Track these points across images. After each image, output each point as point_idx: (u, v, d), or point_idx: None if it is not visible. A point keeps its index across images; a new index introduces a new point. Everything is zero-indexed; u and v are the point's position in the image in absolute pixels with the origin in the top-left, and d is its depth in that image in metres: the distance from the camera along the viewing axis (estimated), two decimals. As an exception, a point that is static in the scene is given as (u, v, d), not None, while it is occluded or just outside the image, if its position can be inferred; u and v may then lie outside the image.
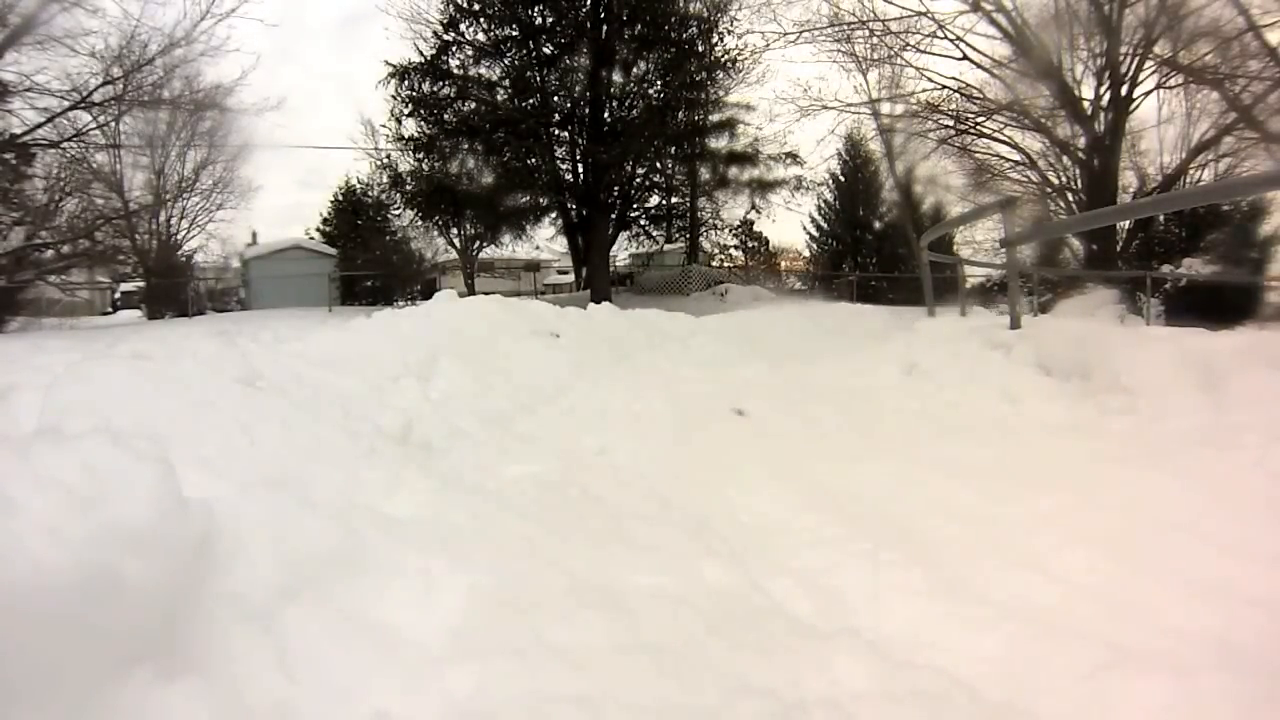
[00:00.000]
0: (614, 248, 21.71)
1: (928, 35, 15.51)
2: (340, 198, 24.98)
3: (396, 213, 23.17)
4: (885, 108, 17.80)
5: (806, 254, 27.21)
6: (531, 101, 17.81)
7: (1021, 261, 13.44)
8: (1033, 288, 13.01)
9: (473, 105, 17.88)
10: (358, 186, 24.48)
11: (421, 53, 17.89)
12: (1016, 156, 16.40)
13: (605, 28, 17.18)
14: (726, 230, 23.36)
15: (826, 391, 4.81)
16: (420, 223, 21.80)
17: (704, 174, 20.88)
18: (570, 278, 25.42)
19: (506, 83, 18.17)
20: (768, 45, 16.97)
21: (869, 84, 17.57)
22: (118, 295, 27.59)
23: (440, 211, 19.60)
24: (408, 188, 19.32)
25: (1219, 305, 10.96)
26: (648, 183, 20.91)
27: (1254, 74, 12.70)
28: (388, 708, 1.62)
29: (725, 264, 25.05)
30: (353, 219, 23.96)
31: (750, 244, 24.79)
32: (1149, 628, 2.03)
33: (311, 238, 24.12)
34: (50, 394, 2.39)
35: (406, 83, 17.73)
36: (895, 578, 2.42)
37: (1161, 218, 13.53)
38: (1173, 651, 1.90)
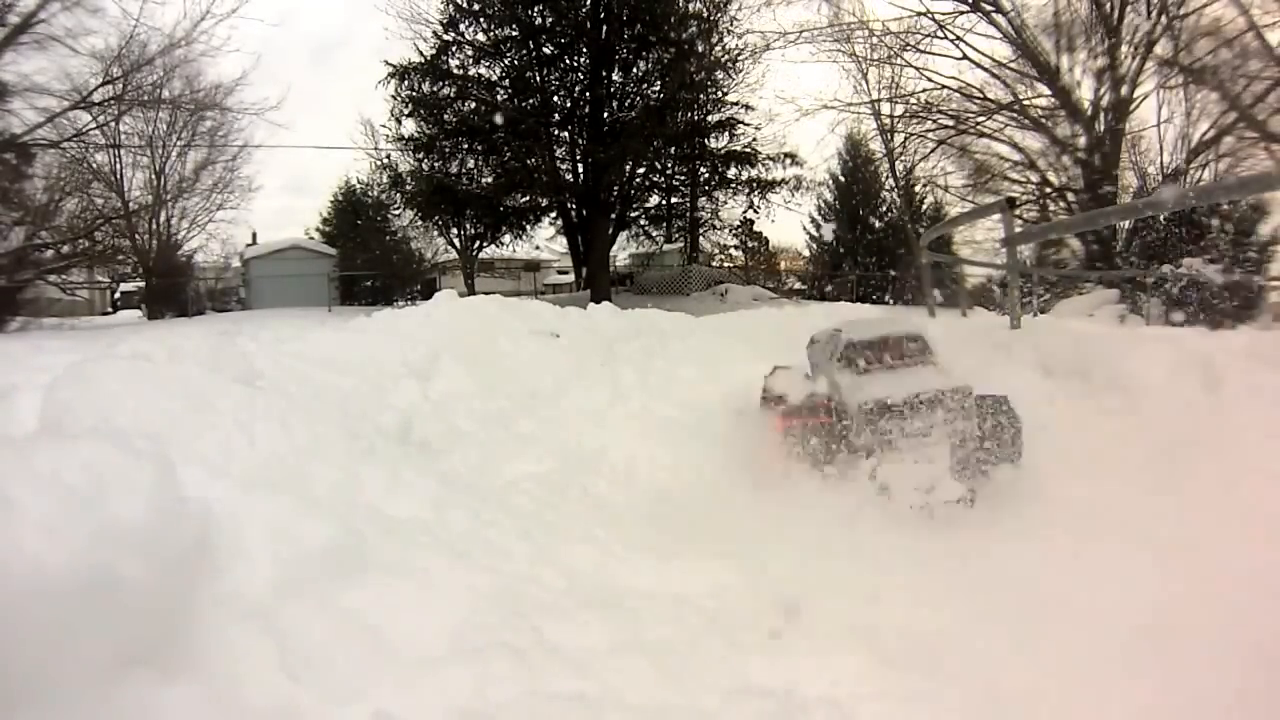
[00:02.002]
0: (614, 248, 21.70)
1: (928, 35, 15.47)
2: (340, 198, 24.95)
3: (396, 213, 23.15)
4: (885, 108, 17.76)
5: (806, 254, 27.18)
6: (531, 101, 17.80)
7: (1021, 261, 13.41)
8: (1033, 288, 13.00)
9: (473, 105, 17.87)
10: (357, 186, 24.45)
11: (421, 53, 17.89)
12: (1016, 156, 16.36)
13: (605, 28, 17.17)
14: (726, 230, 23.31)
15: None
16: (420, 223, 21.78)
17: (703, 174, 20.86)
18: (570, 278, 25.37)
19: (506, 83, 18.16)
20: (768, 45, 16.91)
21: (869, 84, 17.53)
22: (118, 295, 27.55)
23: (440, 211, 19.58)
24: (408, 188, 19.31)
25: (1219, 305, 10.96)
26: (647, 183, 20.87)
27: (1254, 74, 12.69)
28: (388, 707, 1.62)
29: (725, 264, 25.02)
30: (353, 219, 23.93)
31: (750, 244, 24.77)
32: (1143, 623, 2.03)
33: (311, 238, 24.11)
34: (50, 394, 2.39)
35: (406, 83, 17.72)
36: (892, 575, 2.43)
37: (1161, 218, 13.51)
38: (1164, 647, 1.90)
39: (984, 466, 2.97)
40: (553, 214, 20.25)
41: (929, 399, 2.86)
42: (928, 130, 17.01)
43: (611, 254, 21.90)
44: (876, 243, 24.04)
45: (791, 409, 3.16)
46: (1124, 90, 13.98)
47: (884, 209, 24.28)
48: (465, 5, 17.65)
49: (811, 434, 3.07)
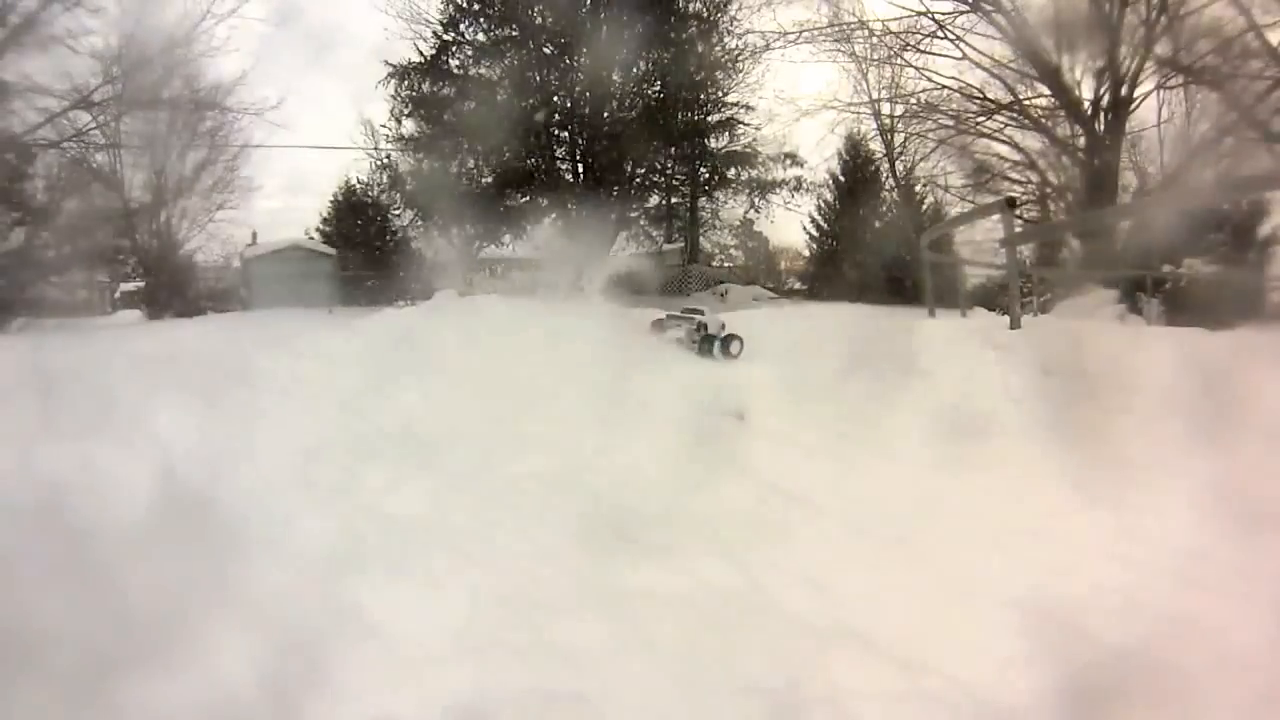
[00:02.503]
0: (614, 248, 21.67)
1: (928, 35, 15.48)
2: (340, 198, 24.91)
3: (396, 213, 23.12)
4: (885, 108, 17.79)
5: (806, 254, 27.14)
6: (531, 101, 17.80)
7: (1021, 261, 13.40)
8: (1033, 288, 13.00)
9: (473, 105, 17.86)
10: (358, 186, 24.42)
11: (421, 53, 17.89)
12: (1016, 156, 16.37)
13: (605, 28, 17.18)
14: (726, 230, 23.30)
15: (826, 391, 4.81)
16: (420, 223, 21.75)
17: (703, 174, 20.86)
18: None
19: (506, 83, 18.15)
20: (768, 45, 16.92)
21: (869, 84, 17.55)
22: (118, 295, 27.49)
23: (440, 211, 19.56)
24: (408, 188, 19.30)
25: (1219, 305, 10.94)
26: (647, 183, 20.85)
27: (1254, 74, 12.69)
28: (389, 707, 1.62)
29: (725, 264, 25.00)
30: (353, 219, 23.89)
31: (750, 244, 24.76)
32: (1128, 621, 2.03)
33: (311, 238, 24.05)
34: (51, 393, 2.39)
35: (406, 83, 17.72)
36: (893, 576, 2.43)
37: (1161, 218, 13.50)
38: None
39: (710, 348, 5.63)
40: (553, 214, 20.24)
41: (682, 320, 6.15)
42: (928, 130, 17.03)
43: (611, 254, 21.86)
44: (877, 243, 24.02)
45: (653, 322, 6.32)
46: (1124, 90, 13.98)
47: (884, 209, 24.26)
48: (465, 5, 17.64)
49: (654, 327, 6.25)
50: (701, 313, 5.93)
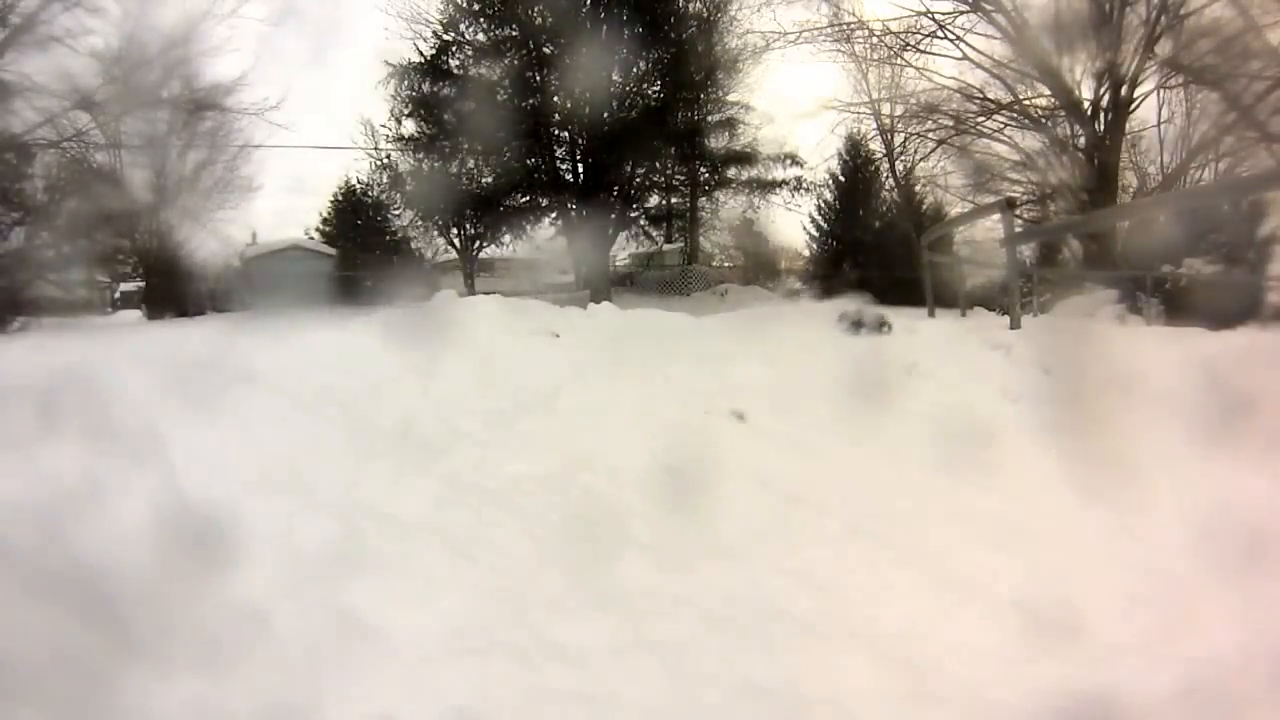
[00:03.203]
0: (614, 248, 21.69)
1: (928, 35, 15.50)
2: (340, 198, 24.93)
3: (396, 213, 23.14)
4: (885, 108, 17.82)
5: (806, 254, 27.17)
6: (531, 101, 17.81)
7: (1021, 261, 13.42)
8: (1033, 288, 13.00)
9: (473, 105, 17.88)
10: (358, 186, 24.43)
11: (421, 53, 17.91)
12: (1016, 156, 16.38)
13: (605, 28, 17.19)
14: (726, 230, 23.34)
15: (826, 391, 4.81)
16: (420, 223, 21.77)
17: (703, 174, 20.89)
18: (570, 278, 25.42)
19: (506, 83, 18.17)
20: (768, 45, 16.97)
21: (869, 84, 17.58)
22: (118, 295, 27.47)
23: (440, 211, 19.59)
24: (408, 188, 19.33)
25: (1219, 305, 10.95)
26: (647, 183, 20.86)
27: (1254, 74, 12.70)
28: (388, 708, 1.62)
29: (725, 264, 25.01)
30: (353, 219, 23.88)
31: (750, 244, 24.77)
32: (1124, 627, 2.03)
33: (311, 238, 24.05)
34: (51, 394, 2.39)
35: (406, 83, 17.75)
36: (892, 575, 2.43)
37: (1161, 218, 13.51)
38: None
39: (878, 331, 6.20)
40: (553, 214, 20.26)
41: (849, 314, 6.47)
42: (928, 130, 17.08)
43: (611, 254, 21.89)
44: (876, 243, 24.03)
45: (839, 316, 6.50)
46: (1124, 90, 13.99)
47: (884, 209, 24.29)
48: (465, 5, 17.67)
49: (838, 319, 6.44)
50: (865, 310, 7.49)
